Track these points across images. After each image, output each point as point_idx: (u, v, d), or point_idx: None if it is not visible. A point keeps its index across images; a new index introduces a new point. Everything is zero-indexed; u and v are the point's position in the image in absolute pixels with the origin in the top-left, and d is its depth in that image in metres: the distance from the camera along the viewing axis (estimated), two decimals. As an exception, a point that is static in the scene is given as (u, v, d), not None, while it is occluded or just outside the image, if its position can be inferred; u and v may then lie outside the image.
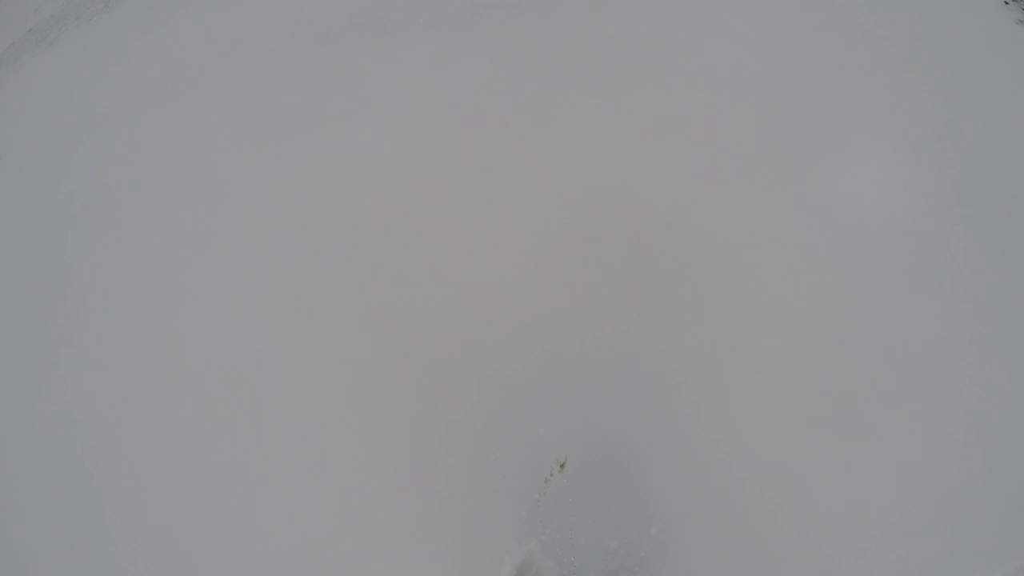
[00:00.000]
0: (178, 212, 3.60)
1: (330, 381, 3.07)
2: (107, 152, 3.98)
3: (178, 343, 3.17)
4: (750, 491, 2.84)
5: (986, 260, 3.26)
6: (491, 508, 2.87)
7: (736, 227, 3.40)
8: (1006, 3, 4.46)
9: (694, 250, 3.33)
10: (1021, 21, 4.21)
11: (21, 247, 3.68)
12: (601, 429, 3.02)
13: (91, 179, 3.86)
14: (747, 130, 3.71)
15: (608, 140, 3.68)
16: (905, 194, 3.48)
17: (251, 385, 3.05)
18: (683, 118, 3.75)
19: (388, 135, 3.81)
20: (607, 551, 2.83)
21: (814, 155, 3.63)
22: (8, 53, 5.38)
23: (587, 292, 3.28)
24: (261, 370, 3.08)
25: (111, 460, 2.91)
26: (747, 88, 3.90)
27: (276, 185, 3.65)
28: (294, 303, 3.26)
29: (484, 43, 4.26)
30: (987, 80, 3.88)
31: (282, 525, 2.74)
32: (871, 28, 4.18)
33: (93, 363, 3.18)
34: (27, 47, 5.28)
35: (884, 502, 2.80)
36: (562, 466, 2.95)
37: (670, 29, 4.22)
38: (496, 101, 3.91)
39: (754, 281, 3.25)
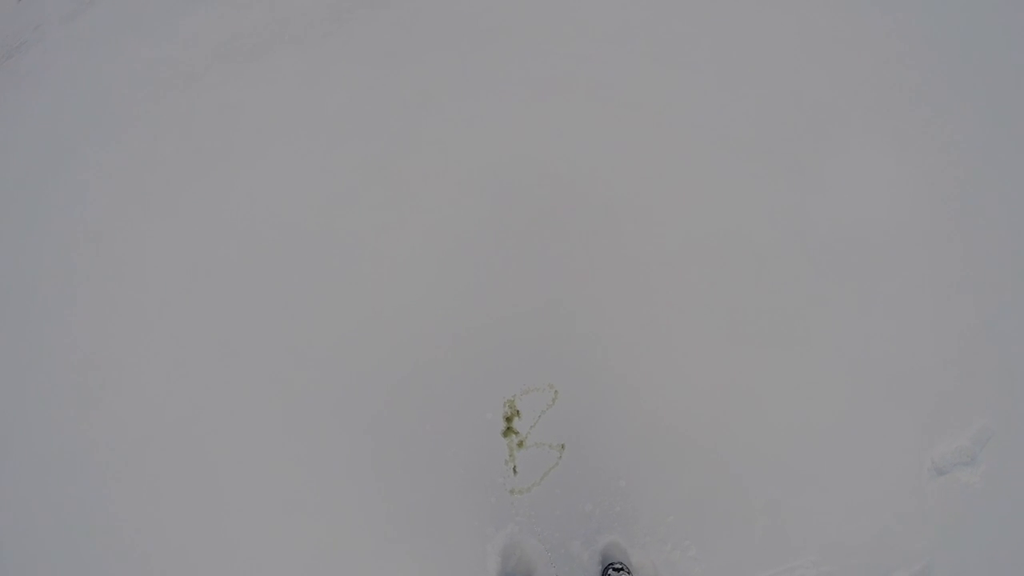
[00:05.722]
0: (72, 286, 3.50)
1: (265, 405, 3.05)
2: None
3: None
4: (707, 421, 2.87)
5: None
6: (460, 503, 2.83)
7: (646, 178, 3.33)
8: None
9: (606, 207, 3.26)
10: None
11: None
12: (546, 397, 2.96)
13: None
14: (636, 80, 3.62)
15: (498, 113, 3.57)
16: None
17: (193, 414, 3.07)
18: (569, 79, 3.63)
19: (275, 157, 3.69)
20: (582, 515, 2.83)
21: (708, 91, 3.54)
22: None
23: (505, 267, 3.18)
24: (195, 401, 3.09)
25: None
26: (632, 38, 3.77)
27: (172, 232, 3.55)
28: (216, 333, 3.23)
29: (353, 47, 4.17)
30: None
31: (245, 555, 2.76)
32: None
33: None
34: None
35: (836, 403, 2.87)
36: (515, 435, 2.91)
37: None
38: (379, 101, 3.82)
39: (665, 223, 3.22)
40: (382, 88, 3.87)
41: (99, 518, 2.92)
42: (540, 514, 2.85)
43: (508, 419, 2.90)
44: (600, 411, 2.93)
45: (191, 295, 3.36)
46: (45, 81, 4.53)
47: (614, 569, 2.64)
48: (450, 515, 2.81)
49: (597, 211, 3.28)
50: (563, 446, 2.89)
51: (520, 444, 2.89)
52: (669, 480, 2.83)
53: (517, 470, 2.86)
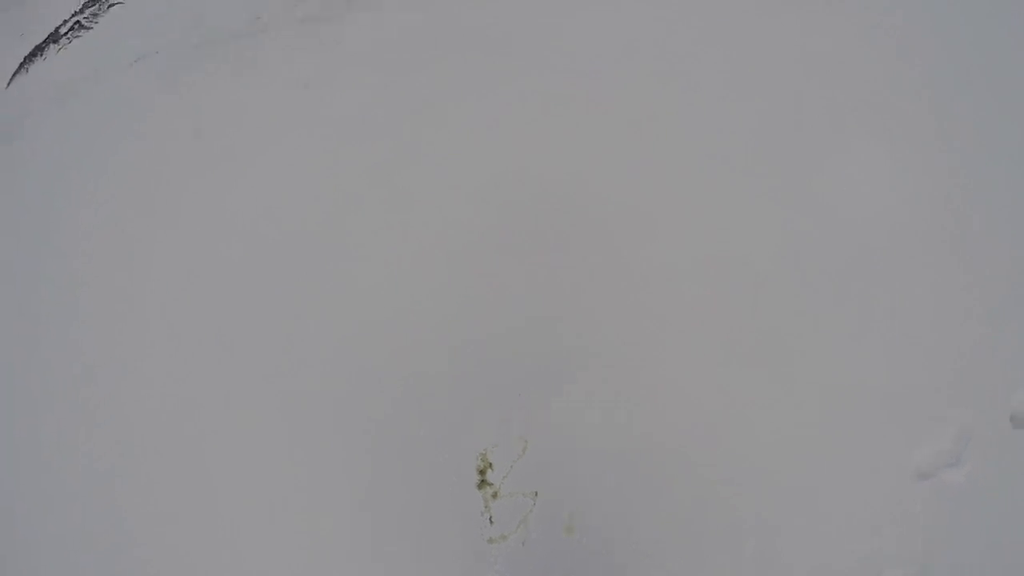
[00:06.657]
0: (84, 286, 3.66)
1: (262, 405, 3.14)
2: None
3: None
4: (698, 439, 2.85)
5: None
6: (439, 546, 2.86)
7: (639, 191, 3.31)
8: None
9: (605, 222, 3.26)
10: None
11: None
12: (527, 432, 2.98)
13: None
14: (637, 96, 3.57)
15: (501, 125, 3.58)
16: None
17: (187, 427, 3.16)
18: (572, 94, 3.60)
19: (280, 159, 3.78)
20: (565, 550, 2.83)
21: (708, 108, 3.46)
22: None
23: (503, 280, 3.21)
24: (192, 415, 3.18)
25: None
26: (634, 55, 3.70)
27: (180, 230, 3.69)
28: (217, 344, 3.33)
29: (364, 53, 4.14)
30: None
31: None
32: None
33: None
34: None
35: (829, 423, 2.82)
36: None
37: (544, 12, 4.08)
38: (386, 108, 3.82)
39: (663, 239, 3.21)
40: (389, 95, 3.85)
41: (97, 517, 3.08)
42: (519, 558, 2.86)
43: (481, 472, 2.90)
44: (591, 430, 2.92)
45: (192, 295, 3.47)
46: (50, 90, 4.53)
47: None
48: (428, 557, 2.87)
49: (595, 226, 3.25)
50: (536, 493, 2.88)
51: (495, 495, 2.89)
52: (660, 498, 2.82)
53: (494, 520, 2.88)
